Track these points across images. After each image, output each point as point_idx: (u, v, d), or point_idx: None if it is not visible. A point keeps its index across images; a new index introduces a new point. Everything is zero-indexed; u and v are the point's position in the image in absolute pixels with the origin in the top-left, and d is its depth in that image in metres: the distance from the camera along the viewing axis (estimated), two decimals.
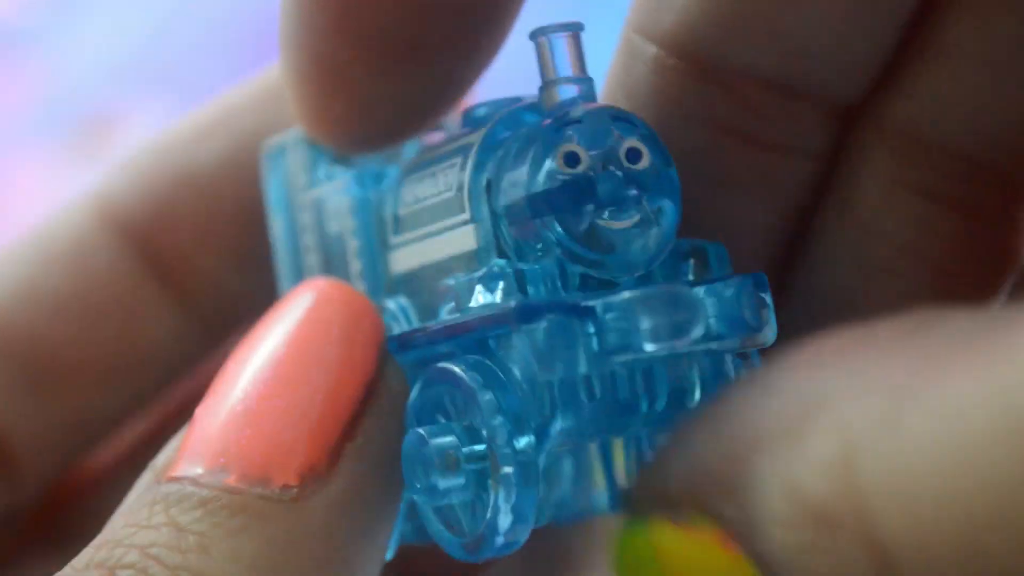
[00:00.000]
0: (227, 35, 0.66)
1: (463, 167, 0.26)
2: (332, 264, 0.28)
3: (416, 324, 0.27)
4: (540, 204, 0.24)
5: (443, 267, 0.26)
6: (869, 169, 0.27)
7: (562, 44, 0.26)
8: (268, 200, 0.29)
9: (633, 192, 0.25)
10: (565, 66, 0.25)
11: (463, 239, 0.26)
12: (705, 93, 0.27)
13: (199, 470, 0.24)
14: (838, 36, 0.27)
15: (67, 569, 0.23)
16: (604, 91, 0.28)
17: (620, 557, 0.24)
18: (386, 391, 0.25)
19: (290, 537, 0.23)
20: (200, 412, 0.25)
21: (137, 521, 0.23)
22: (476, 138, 0.26)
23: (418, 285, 0.27)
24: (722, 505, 0.21)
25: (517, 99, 0.27)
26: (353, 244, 0.28)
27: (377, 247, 0.28)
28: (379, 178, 0.28)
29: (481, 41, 0.27)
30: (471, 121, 0.27)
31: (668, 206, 0.25)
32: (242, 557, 0.23)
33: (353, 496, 0.24)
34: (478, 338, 0.24)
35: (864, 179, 0.28)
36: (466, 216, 0.25)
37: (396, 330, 0.27)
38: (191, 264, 0.32)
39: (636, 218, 0.25)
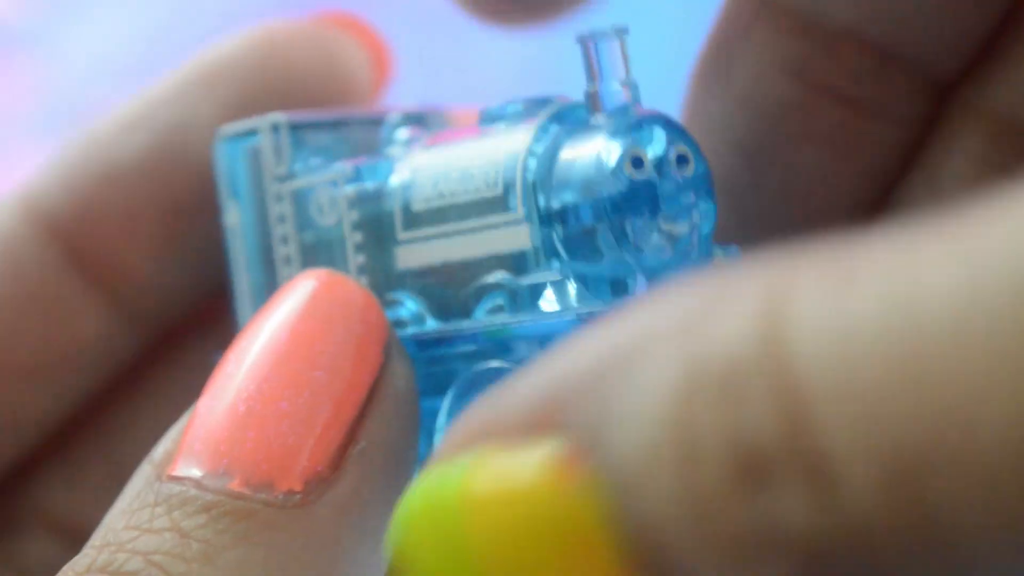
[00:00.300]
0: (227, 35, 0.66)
1: (510, 165, 0.26)
2: (320, 257, 0.28)
3: (430, 322, 0.27)
4: (608, 207, 0.25)
5: (478, 265, 0.26)
6: (960, 146, 0.28)
7: (609, 47, 0.26)
8: (225, 187, 0.28)
9: (690, 198, 0.25)
10: (613, 69, 0.26)
11: (510, 238, 0.26)
12: (802, 48, 0.28)
13: (201, 471, 0.23)
14: (942, 8, 0.27)
15: (67, 570, 0.23)
16: (709, 39, 0.29)
17: (406, 520, 0.20)
18: (391, 391, 0.25)
19: (295, 543, 0.23)
20: (201, 406, 0.24)
21: (139, 523, 0.23)
22: (524, 137, 0.26)
23: (437, 282, 0.27)
24: (577, 413, 0.18)
25: (546, 99, 0.27)
26: (355, 237, 0.27)
27: (381, 241, 0.27)
28: (376, 171, 0.28)
29: None
30: (490, 119, 0.27)
31: (710, 212, 0.26)
32: (248, 565, 0.22)
33: (357, 499, 0.24)
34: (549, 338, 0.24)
35: (955, 155, 0.28)
36: (516, 216, 0.26)
37: (410, 328, 0.27)
38: (118, 260, 0.32)
39: (689, 223, 0.25)
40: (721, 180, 0.27)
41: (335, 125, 0.29)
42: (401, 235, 0.27)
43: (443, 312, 0.27)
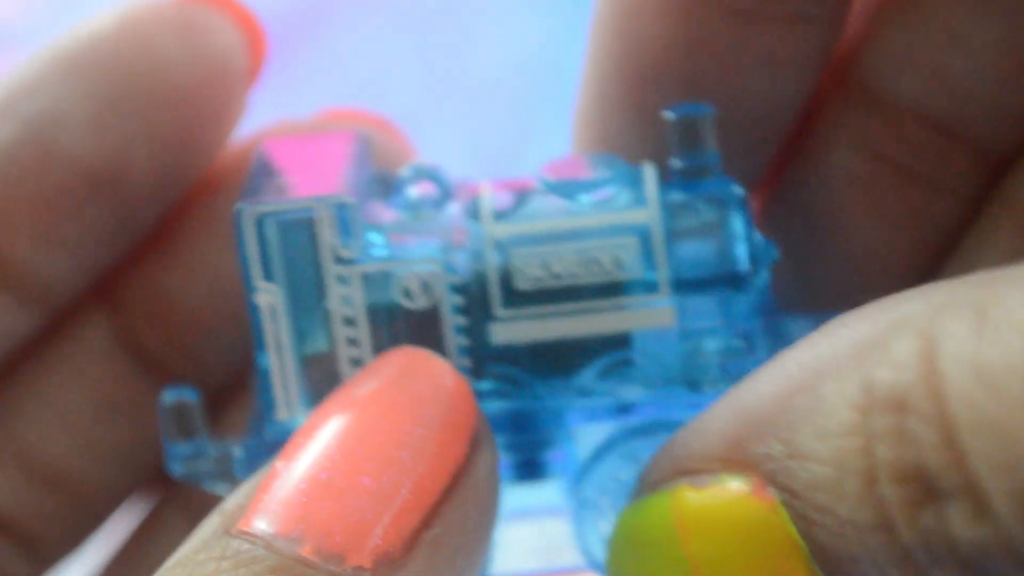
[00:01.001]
0: None
1: (646, 247, 0.27)
2: (405, 339, 0.27)
3: (527, 396, 0.27)
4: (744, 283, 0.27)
5: (593, 342, 0.27)
6: (1011, 220, 0.29)
7: (694, 123, 0.27)
8: (257, 266, 0.27)
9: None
10: (698, 145, 0.27)
11: (649, 317, 0.27)
12: (869, 122, 0.29)
13: (273, 531, 0.23)
14: (1001, 86, 0.28)
15: None
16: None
17: (625, 537, 0.25)
18: (474, 480, 0.25)
19: None
20: (280, 466, 0.24)
21: (204, 575, 0.23)
22: (645, 216, 0.27)
23: (546, 357, 0.27)
24: (767, 443, 0.22)
25: (613, 162, 0.28)
26: (454, 320, 0.27)
27: (475, 319, 0.27)
28: (463, 253, 0.28)
29: None
30: (573, 190, 0.28)
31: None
32: None
33: None
34: None
35: (1005, 225, 0.29)
36: (662, 295, 0.27)
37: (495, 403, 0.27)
38: (3, 255, 0.31)
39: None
40: (788, 246, 0.29)
41: (362, 183, 0.28)
42: (500, 312, 0.27)
43: (552, 386, 0.27)
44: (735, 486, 0.23)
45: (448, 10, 0.66)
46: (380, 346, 0.27)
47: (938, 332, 0.21)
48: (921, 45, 0.29)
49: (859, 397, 0.21)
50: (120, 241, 0.32)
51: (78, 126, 0.30)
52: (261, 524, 0.23)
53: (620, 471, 0.27)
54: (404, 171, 0.29)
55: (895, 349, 0.21)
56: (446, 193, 0.28)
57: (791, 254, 0.29)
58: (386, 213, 0.28)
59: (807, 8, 0.28)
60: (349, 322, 0.27)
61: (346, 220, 0.27)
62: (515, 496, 0.28)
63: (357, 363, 0.27)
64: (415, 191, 0.28)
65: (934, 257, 0.30)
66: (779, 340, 0.27)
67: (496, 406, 0.27)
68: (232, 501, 0.24)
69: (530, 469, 0.28)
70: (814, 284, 0.31)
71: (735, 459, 0.23)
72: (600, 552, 0.28)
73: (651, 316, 0.27)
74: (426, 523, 0.23)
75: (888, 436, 0.21)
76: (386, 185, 0.29)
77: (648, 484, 0.25)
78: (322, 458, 0.24)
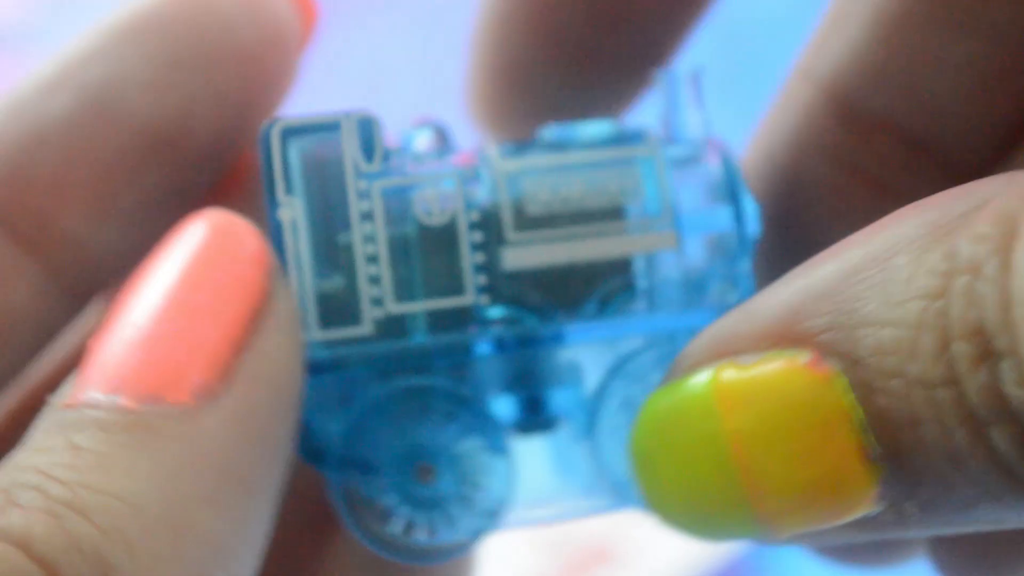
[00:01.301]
0: None
1: (648, 177, 0.28)
2: (420, 254, 0.28)
3: (536, 320, 0.28)
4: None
5: (600, 268, 0.28)
6: None
7: (684, 82, 0.29)
8: (282, 181, 0.28)
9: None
10: (688, 101, 0.29)
11: (653, 241, 0.28)
12: (840, 133, 0.30)
13: (93, 395, 0.24)
14: (971, 102, 0.29)
15: None
16: (763, 121, 0.32)
17: (654, 426, 0.25)
18: (275, 312, 0.26)
19: (185, 451, 0.24)
20: (94, 344, 0.25)
21: (36, 446, 0.24)
22: (649, 150, 0.29)
23: (551, 280, 0.28)
24: (830, 316, 0.23)
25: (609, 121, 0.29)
26: (474, 237, 0.28)
27: (488, 242, 0.28)
28: (475, 174, 0.28)
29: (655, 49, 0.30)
30: (556, 138, 0.29)
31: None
32: (139, 471, 0.23)
33: (246, 411, 0.25)
34: None
35: None
36: (664, 219, 0.28)
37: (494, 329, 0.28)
38: (50, 225, 0.31)
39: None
40: (761, 248, 0.30)
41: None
42: (512, 237, 0.28)
43: (559, 311, 0.28)
44: (786, 359, 0.23)
45: (449, 10, 0.66)
46: (398, 269, 0.28)
47: (1018, 218, 0.22)
48: (895, 62, 0.30)
49: (942, 263, 0.22)
50: (175, 207, 0.32)
51: (140, 87, 0.30)
52: (82, 392, 0.25)
53: (630, 391, 0.28)
54: (408, 126, 0.29)
55: (979, 227, 0.22)
56: (449, 145, 0.29)
57: (763, 255, 0.31)
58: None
59: None
60: (368, 238, 0.28)
61: (369, 136, 0.28)
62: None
63: (377, 289, 0.28)
64: (420, 142, 0.29)
65: None
66: None
67: (505, 332, 0.28)
68: (60, 392, 0.25)
69: (535, 407, 0.29)
70: None
71: (788, 335, 0.24)
72: (622, 472, 0.28)
73: (654, 240, 0.28)
74: (236, 354, 0.25)
75: (963, 295, 0.22)
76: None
77: (682, 368, 0.25)
78: (128, 321, 0.25)
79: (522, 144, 0.29)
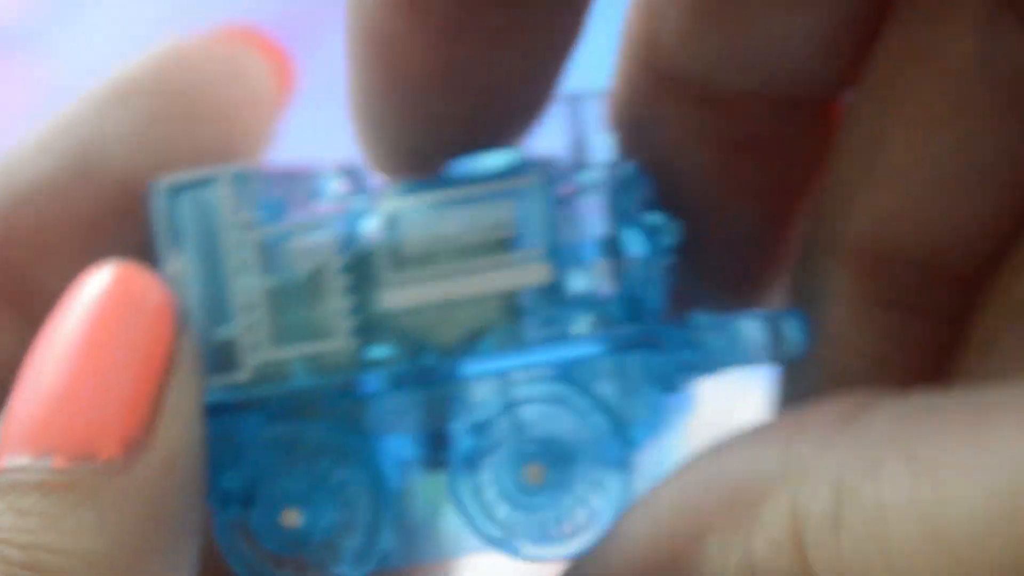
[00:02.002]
0: None
1: (527, 210, 0.29)
2: (294, 301, 0.29)
3: (409, 358, 0.29)
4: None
5: (478, 304, 0.29)
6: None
7: (585, 105, 0.30)
8: (167, 237, 0.29)
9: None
10: (591, 125, 0.30)
11: (527, 275, 0.29)
12: (703, 113, 0.31)
13: (26, 459, 0.26)
14: (811, 43, 0.30)
15: None
16: (611, 108, 0.32)
17: None
18: (184, 358, 0.27)
19: (124, 503, 0.26)
20: (15, 402, 0.27)
21: None
22: (529, 182, 0.29)
23: (429, 319, 0.29)
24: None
25: (515, 150, 0.30)
26: (340, 282, 0.29)
27: (362, 285, 0.29)
28: (351, 218, 0.29)
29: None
30: (456, 173, 0.30)
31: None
32: (86, 528, 0.25)
33: (171, 458, 0.27)
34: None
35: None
36: (537, 252, 0.29)
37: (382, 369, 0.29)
38: (32, 281, 0.32)
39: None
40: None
41: (278, 178, 0.30)
42: (389, 276, 0.29)
43: (425, 351, 0.29)
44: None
45: None
46: (276, 316, 0.29)
47: (802, 519, 0.23)
48: (723, 30, 0.30)
49: (743, 568, 0.24)
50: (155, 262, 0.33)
51: (121, 145, 0.32)
52: (11, 456, 0.26)
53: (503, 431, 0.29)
54: (325, 169, 0.31)
55: (767, 521, 0.24)
56: (361, 188, 0.30)
57: None
58: (308, 209, 0.30)
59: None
60: (246, 288, 0.29)
61: (245, 188, 0.29)
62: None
63: (255, 336, 0.29)
64: (335, 186, 0.30)
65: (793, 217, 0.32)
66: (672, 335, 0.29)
67: (392, 371, 0.29)
68: None
69: (439, 444, 0.29)
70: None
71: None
72: (474, 508, 0.29)
73: (529, 274, 0.29)
74: (155, 404, 0.27)
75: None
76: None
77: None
78: (48, 380, 0.27)
79: (425, 181, 0.30)
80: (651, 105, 0.31)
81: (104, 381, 0.26)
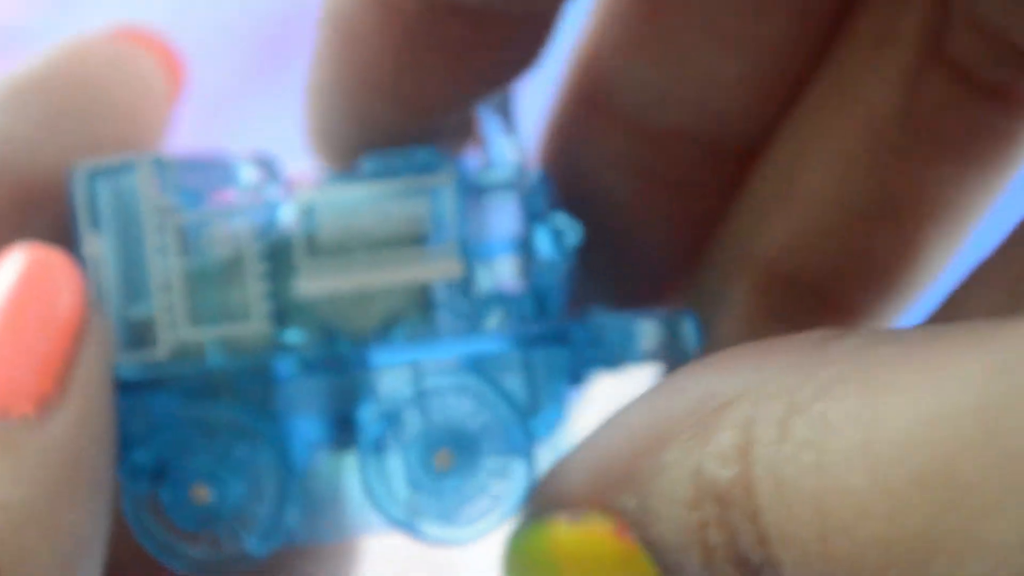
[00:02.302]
0: (230, 36, 0.66)
1: (439, 205, 0.30)
2: (211, 284, 0.30)
3: (322, 344, 0.30)
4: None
5: (387, 295, 0.30)
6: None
7: (493, 111, 0.31)
8: (86, 219, 0.30)
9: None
10: (497, 130, 0.31)
11: (438, 269, 0.30)
12: (631, 145, 0.33)
13: None
14: (749, 108, 0.32)
15: None
16: (541, 138, 0.34)
17: (515, 559, 0.29)
18: (94, 327, 0.29)
19: (38, 456, 0.27)
20: None
21: None
22: (443, 180, 0.30)
23: (343, 307, 0.30)
24: (623, 497, 0.26)
25: (422, 151, 0.31)
26: (258, 267, 0.30)
27: (278, 271, 0.30)
28: (270, 206, 0.30)
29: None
30: (376, 170, 0.31)
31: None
32: (2, 476, 0.27)
33: (83, 417, 0.28)
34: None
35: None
36: (448, 247, 0.30)
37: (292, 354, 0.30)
38: None
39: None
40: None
41: (193, 165, 0.31)
42: (304, 263, 0.30)
43: (348, 335, 0.30)
44: (601, 526, 0.26)
45: None
46: (192, 292, 0.30)
47: (752, 431, 0.24)
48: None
49: (693, 481, 0.25)
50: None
51: (19, 144, 0.32)
52: None
53: (409, 417, 0.30)
54: (239, 158, 0.32)
55: (720, 440, 0.24)
56: (275, 178, 0.31)
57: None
58: (225, 196, 0.31)
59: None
60: (164, 270, 0.30)
61: (164, 175, 0.30)
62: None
63: (171, 316, 0.30)
64: (248, 175, 0.31)
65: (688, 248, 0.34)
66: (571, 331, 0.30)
67: (304, 357, 0.30)
68: None
69: (345, 427, 0.30)
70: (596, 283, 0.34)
71: (597, 503, 0.26)
72: (380, 490, 0.30)
73: (440, 268, 0.30)
74: (66, 367, 0.28)
75: (717, 524, 0.24)
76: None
77: (532, 509, 0.29)
78: None
79: (342, 174, 0.31)
80: (582, 127, 0.33)
81: (20, 347, 0.28)
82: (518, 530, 0.29)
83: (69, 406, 0.28)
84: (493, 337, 0.30)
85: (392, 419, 0.29)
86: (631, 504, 0.26)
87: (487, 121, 0.31)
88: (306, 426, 0.30)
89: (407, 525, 0.29)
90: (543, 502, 0.28)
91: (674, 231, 0.34)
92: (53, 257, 0.30)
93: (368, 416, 0.30)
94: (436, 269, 0.30)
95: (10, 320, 0.28)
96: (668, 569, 0.25)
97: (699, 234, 0.34)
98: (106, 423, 0.29)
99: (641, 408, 0.27)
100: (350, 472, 0.31)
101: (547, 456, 0.30)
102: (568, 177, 0.34)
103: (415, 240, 0.30)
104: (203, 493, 0.30)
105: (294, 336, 0.30)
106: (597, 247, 0.33)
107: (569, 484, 0.28)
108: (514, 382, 0.30)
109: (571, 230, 0.30)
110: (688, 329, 0.30)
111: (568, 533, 0.27)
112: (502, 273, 0.30)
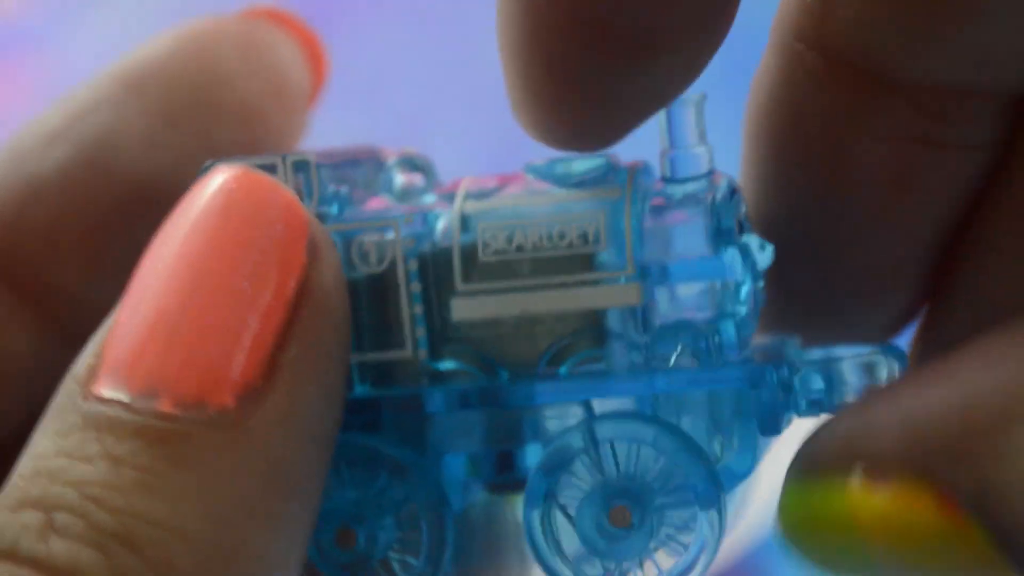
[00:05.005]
0: None
1: (615, 222, 0.26)
2: (359, 306, 0.26)
3: (481, 375, 0.26)
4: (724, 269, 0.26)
5: (557, 321, 0.26)
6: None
7: (684, 113, 0.27)
8: None
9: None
10: (688, 134, 0.27)
11: (614, 295, 0.26)
12: (879, 103, 0.27)
13: (127, 394, 0.22)
14: (1017, 41, 0.26)
15: None
16: (757, 97, 0.28)
17: (797, 516, 0.25)
18: (319, 291, 0.24)
19: (231, 463, 0.22)
20: (122, 319, 0.23)
21: (70, 450, 0.22)
22: (621, 192, 0.26)
23: (504, 334, 0.26)
24: (954, 473, 0.22)
25: (604, 156, 0.27)
26: (414, 287, 0.26)
27: (436, 292, 0.27)
28: (427, 219, 0.27)
29: (706, 34, 0.26)
30: (546, 176, 0.27)
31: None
32: (186, 492, 0.22)
33: (294, 409, 0.23)
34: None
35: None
36: (627, 272, 0.26)
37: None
38: (45, 276, 0.30)
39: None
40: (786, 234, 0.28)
41: (338, 166, 0.27)
42: (461, 286, 0.26)
43: (497, 371, 0.26)
44: (921, 494, 0.23)
45: (455, 8, 0.66)
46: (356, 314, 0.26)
47: None
48: (928, 15, 0.26)
49: None
50: None
51: (134, 143, 0.30)
52: (114, 386, 0.22)
53: (581, 472, 0.26)
54: (392, 159, 0.28)
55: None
56: (432, 182, 0.28)
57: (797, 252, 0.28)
58: (375, 201, 0.28)
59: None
60: None
61: (309, 178, 0.26)
62: None
63: None
64: (401, 178, 0.28)
65: (949, 224, 0.28)
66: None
67: (461, 389, 0.26)
68: (82, 362, 0.23)
69: (504, 466, 0.27)
70: (814, 260, 0.29)
71: (912, 468, 0.23)
72: (549, 549, 0.26)
73: (617, 293, 0.26)
74: (280, 346, 0.23)
75: None
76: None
77: (817, 462, 0.25)
78: (160, 306, 0.23)
79: (505, 182, 0.27)
80: (814, 92, 0.27)
81: (224, 313, 0.23)
82: (800, 484, 0.25)
83: (276, 397, 0.23)
84: (674, 375, 0.26)
85: (561, 468, 0.26)
86: (967, 484, 0.22)
87: (677, 123, 0.27)
88: (459, 464, 0.27)
89: None
90: (839, 457, 0.24)
91: (915, 203, 0.28)
92: (270, 188, 0.24)
93: (534, 464, 0.26)
94: (611, 294, 0.26)
95: (217, 275, 0.23)
96: (1019, 558, 0.22)
97: (951, 233, 0.28)
98: (324, 415, 0.23)
99: (972, 368, 0.23)
100: (508, 519, 0.28)
101: (731, 510, 0.26)
102: (793, 142, 0.28)
103: (587, 261, 0.26)
104: (350, 537, 0.26)
105: (449, 365, 0.27)
106: (805, 260, 0.28)
107: (877, 443, 0.24)
108: (697, 426, 0.26)
109: (763, 250, 0.27)
110: (893, 370, 0.26)
111: (874, 499, 0.23)
112: (686, 300, 0.26)
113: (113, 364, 0.23)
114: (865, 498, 0.23)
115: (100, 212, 0.30)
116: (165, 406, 0.22)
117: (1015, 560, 0.22)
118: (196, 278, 0.23)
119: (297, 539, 0.23)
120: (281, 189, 0.24)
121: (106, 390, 0.22)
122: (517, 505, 0.27)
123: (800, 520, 0.25)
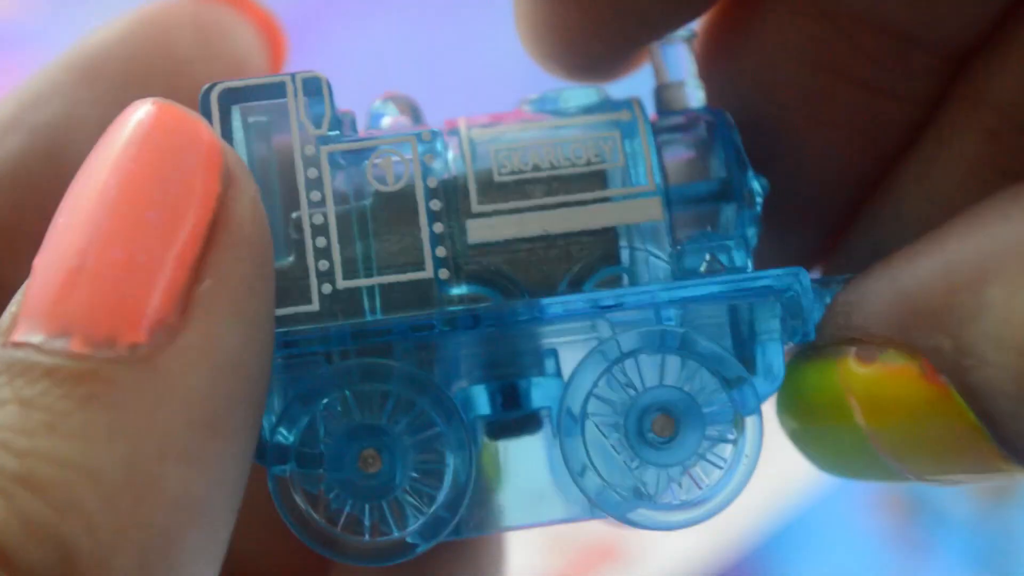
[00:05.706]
0: None
1: (629, 142, 0.26)
2: (371, 229, 0.26)
3: (499, 296, 0.26)
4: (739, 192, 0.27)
5: (577, 238, 0.26)
6: (959, 134, 0.28)
7: (676, 49, 0.27)
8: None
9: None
10: (682, 70, 0.27)
11: (636, 211, 0.26)
12: (818, 33, 0.27)
13: (40, 335, 0.21)
14: None
15: None
16: (708, 26, 0.29)
17: (794, 396, 0.26)
18: (235, 221, 0.23)
19: (145, 402, 0.21)
20: (38, 264, 0.22)
21: None
22: (629, 115, 0.26)
23: (522, 255, 0.26)
24: (935, 336, 0.23)
25: (596, 88, 0.27)
26: (433, 206, 0.26)
27: (451, 213, 0.26)
28: (433, 140, 0.26)
29: None
30: (551, 108, 0.27)
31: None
32: (95, 431, 0.21)
33: (210, 346, 0.22)
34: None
35: (951, 143, 0.28)
36: (647, 187, 0.26)
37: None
38: (4, 275, 0.29)
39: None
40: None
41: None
42: (476, 207, 0.26)
43: (519, 291, 0.26)
44: (905, 367, 0.23)
45: (455, 4, 0.66)
46: (350, 242, 0.26)
47: None
48: None
49: None
50: None
51: (88, 132, 0.28)
52: (29, 330, 0.21)
53: (606, 390, 0.25)
54: (378, 101, 0.27)
55: None
56: (421, 121, 0.27)
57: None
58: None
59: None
60: (317, 204, 0.25)
61: (317, 96, 0.25)
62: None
63: (326, 264, 0.25)
64: (388, 119, 0.27)
65: (886, 164, 0.29)
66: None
67: (479, 311, 0.25)
68: (7, 314, 0.22)
69: (511, 399, 0.26)
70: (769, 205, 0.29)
71: (899, 340, 0.23)
72: (592, 483, 0.25)
73: (637, 209, 0.26)
74: (193, 278, 0.22)
75: None
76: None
77: (816, 341, 0.25)
78: (71, 244, 0.22)
79: (505, 113, 0.27)
80: (763, 15, 0.28)
81: (135, 249, 0.22)
82: (797, 364, 0.25)
83: (191, 334, 0.21)
84: (701, 285, 0.25)
85: (595, 387, 0.25)
86: (946, 345, 0.22)
87: (671, 58, 0.27)
88: (474, 398, 0.26)
89: (620, 508, 0.25)
90: (831, 334, 0.25)
91: (855, 159, 0.29)
92: (188, 121, 0.23)
93: (562, 385, 0.25)
94: (634, 210, 0.26)
95: (128, 211, 0.22)
96: (991, 418, 0.22)
97: (877, 168, 0.29)
98: (246, 351, 0.22)
99: (956, 236, 0.23)
100: (524, 454, 0.26)
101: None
102: (739, 72, 0.28)
103: (601, 179, 0.26)
104: (365, 462, 0.25)
105: (467, 289, 0.26)
106: (769, 146, 0.28)
107: (865, 317, 0.24)
108: (723, 341, 0.25)
109: (761, 179, 0.27)
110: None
111: (863, 370, 0.24)
112: (703, 220, 0.26)
113: (29, 309, 0.22)
114: (853, 374, 0.24)
115: (54, 202, 0.29)
116: (76, 345, 0.21)
117: (989, 423, 0.22)
118: (107, 215, 0.22)
119: (226, 478, 0.22)
120: (192, 119, 0.23)
121: (22, 335, 0.22)
122: (510, 453, 0.26)
123: (793, 400, 0.26)
